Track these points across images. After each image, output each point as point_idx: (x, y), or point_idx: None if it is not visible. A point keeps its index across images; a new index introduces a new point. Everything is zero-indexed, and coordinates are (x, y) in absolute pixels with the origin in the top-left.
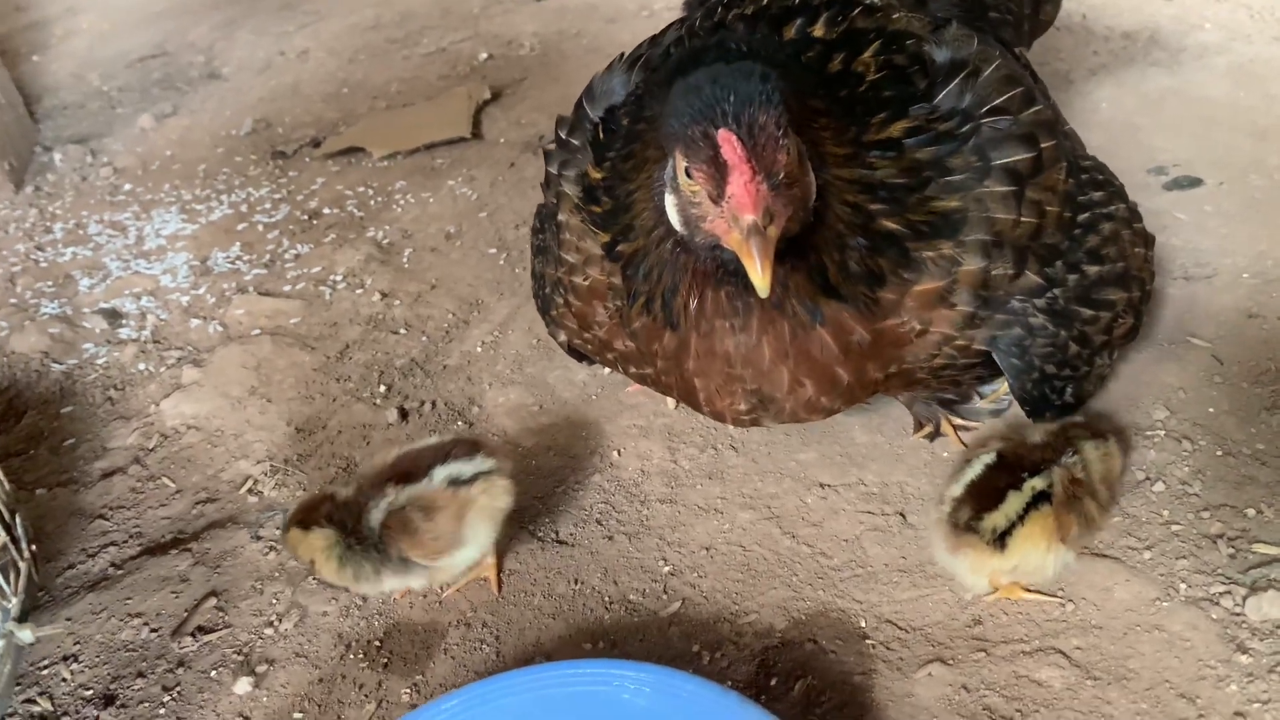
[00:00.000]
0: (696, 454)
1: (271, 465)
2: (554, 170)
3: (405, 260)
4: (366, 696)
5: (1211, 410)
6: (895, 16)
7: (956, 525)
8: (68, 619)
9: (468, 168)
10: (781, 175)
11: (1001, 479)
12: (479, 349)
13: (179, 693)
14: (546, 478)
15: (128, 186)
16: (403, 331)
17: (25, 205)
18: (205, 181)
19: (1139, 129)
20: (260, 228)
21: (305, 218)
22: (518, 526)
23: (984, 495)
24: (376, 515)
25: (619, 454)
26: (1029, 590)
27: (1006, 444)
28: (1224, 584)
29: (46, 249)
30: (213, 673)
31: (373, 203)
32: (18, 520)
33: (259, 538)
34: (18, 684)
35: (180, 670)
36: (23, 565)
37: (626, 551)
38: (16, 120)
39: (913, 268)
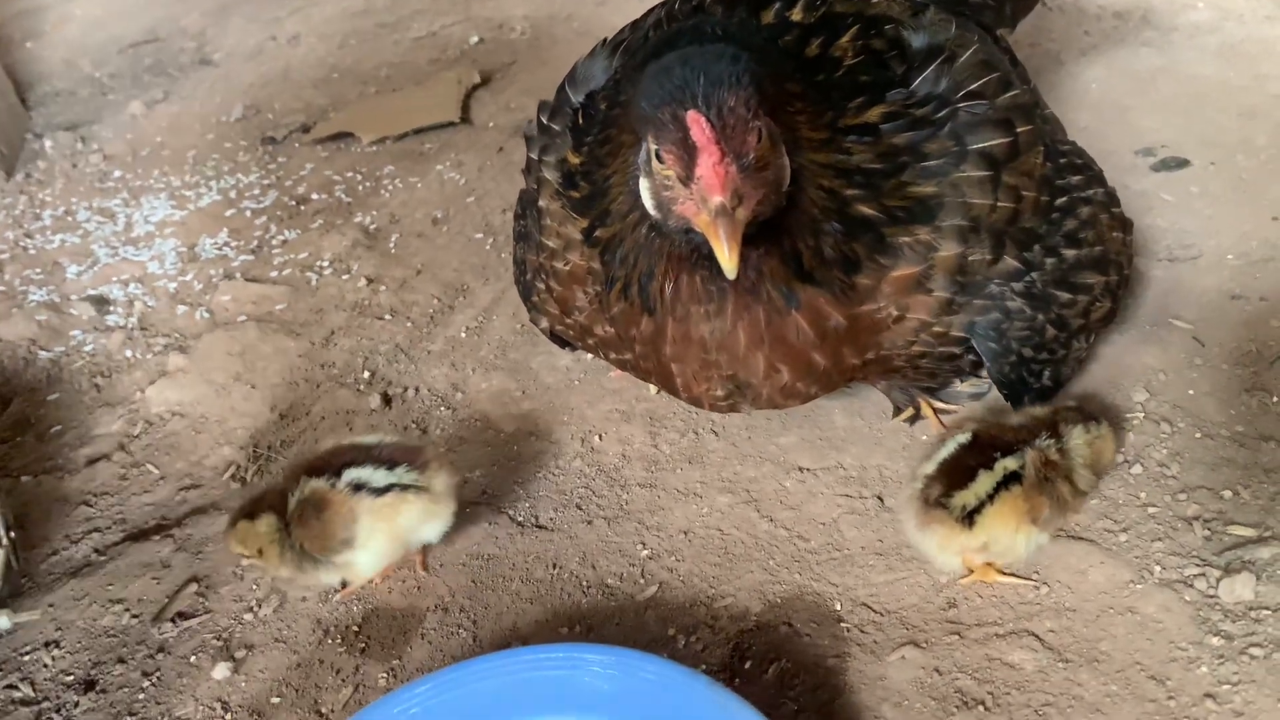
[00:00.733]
0: (677, 438)
1: (255, 451)
2: (535, 156)
3: (392, 246)
4: (344, 681)
5: (1191, 392)
6: (874, 1)
7: (927, 502)
8: (50, 605)
9: (456, 152)
10: (752, 157)
11: (973, 458)
12: (463, 334)
13: (158, 678)
14: (528, 463)
15: (117, 173)
16: (388, 317)
17: (15, 192)
18: (194, 168)
19: (1128, 110)
20: (248, 214)
21: (293, 204)
22: (497, 511)
23: (955, 473)
24: (291, 503)
25: (600, 439)
26: (1004, 573)
27: (982, 425)
28: (1198, 566)
29: (35, 236)
30: (192, 658)
31: (361, 188)
32: None
33: None
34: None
35: (160, 656)
36: (1, 552)
37: (605, 536)
38: (7, 108)
39: (889, 253)
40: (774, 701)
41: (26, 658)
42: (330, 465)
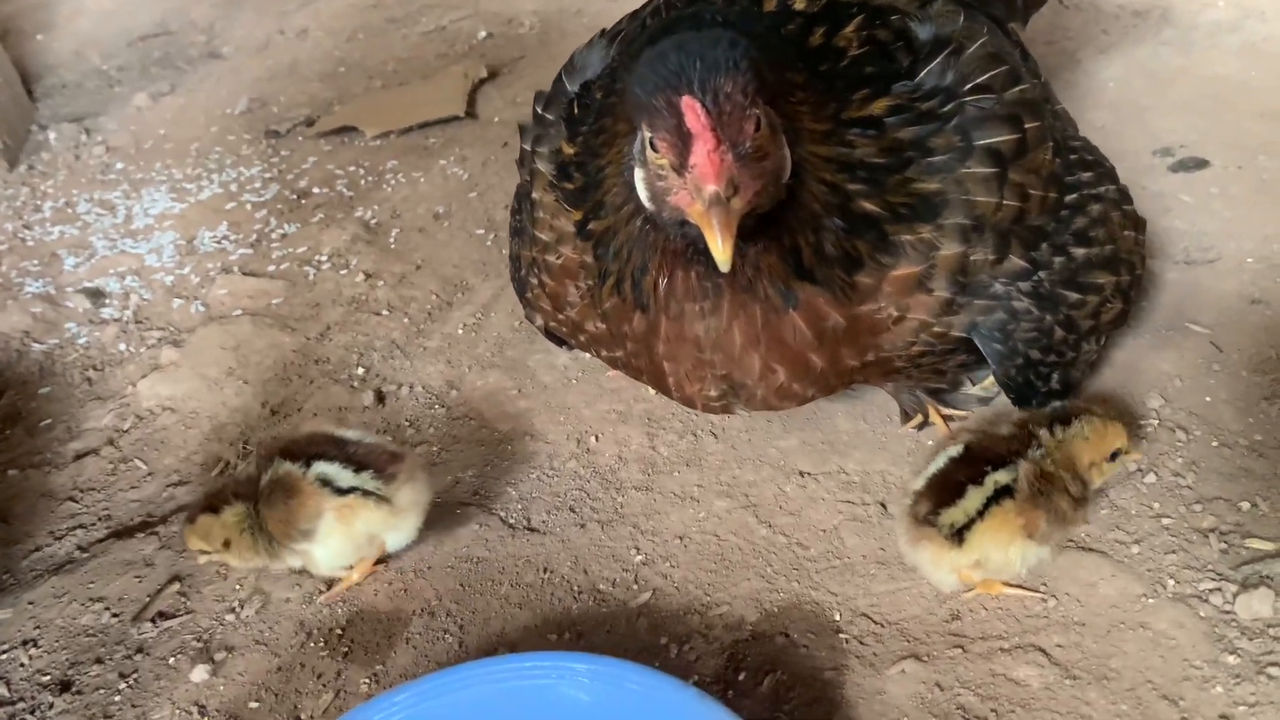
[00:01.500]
0: (675, 440)
1: (245, 447)
2: (528, 147)
3: (392, 240)
4: (325, 686)
5: (1209, 399)
6: None
7: (916, 519)
8: (29, 603)
9: (460, 147)
10: (749, 145)
11: (963, 472)
12: (460, 331)
13: (136, 680)
14: (521, 463)
15: (119, 165)
16: (385, 313)
17: (18, 184)
18: (197, 160)
19: (1147, 109)
20: (249, 207)
21: (294, 197)
22: (488, 513)
23: (944, 489)
24: (264, 481)
25: (596, 439)
26: (1009, 585)
27: (975, 436)
28: (1214, 580)
29: (34, 227)
30: (171, 659)
31: (363, 182)
32: None
33: None
34: None
35: (139, 656)
36: None
37: (598, 539)
38: (13, 99)
39: (891, 251)
40: (769, 715)
41: (3, 656)
42: (305, 452)
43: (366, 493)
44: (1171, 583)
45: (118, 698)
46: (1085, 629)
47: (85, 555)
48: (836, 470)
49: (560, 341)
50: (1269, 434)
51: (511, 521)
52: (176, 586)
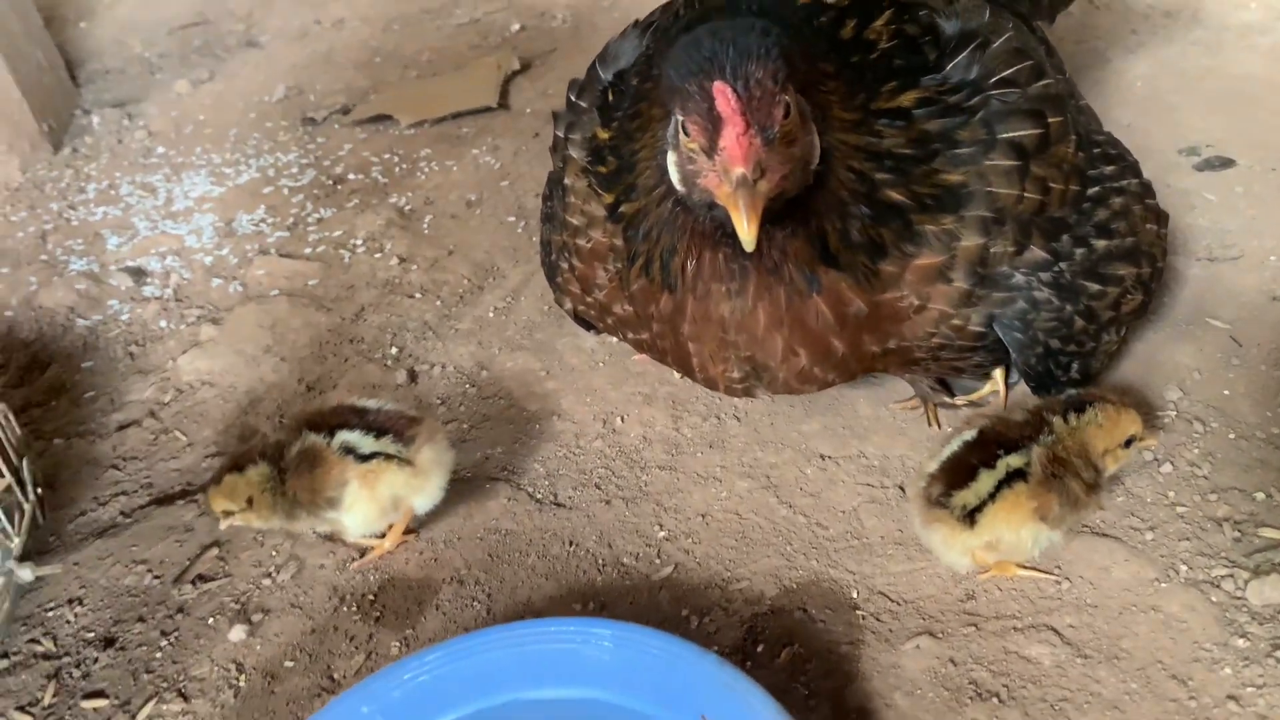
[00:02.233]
0: (699, 422)
1: (280, 421)
2: (561, 133)
3: (425, 226)
4: (357, 648)
5: (1226, 393)
6: None
7: (929, 501)
8: (75, 564)
9: (493, 137)
10: (777, 130)
11: (976, 455)
12: (491, 314)
13: (176, 637)
14: (549, 442)
15: (160, 149)
16: (418, 296)
17: (62, 166)
18: (235, 146)
19: (1175, 108)
20: (285, 191)
21: (330, 183)
22: (516, 488)
23: (957, 472)
24: (290, 453)
25: (622, 420)
26: (1024, 567)
27: (989, 421)
28: (1226, 567)
29: (79, 208)
30: (210, 619)
31: (397, 169)
32: (25, 464)
33: None
34: (23, 625)
35: (179, 616)
36: (27, 507)
37: (623, 516)
38: (58, 83)
39: (915, 240)
40: (785, 686)
41: (50, 614)
42: (328, 423)
43: (388, 456)
44: (1184, 568)
45: (159, 654)
46: (1097, 610)
47: (128, 520)
48: (856, 454)
49: (588, 326)
50: None
51: (539, 496)
52: (215, 551)
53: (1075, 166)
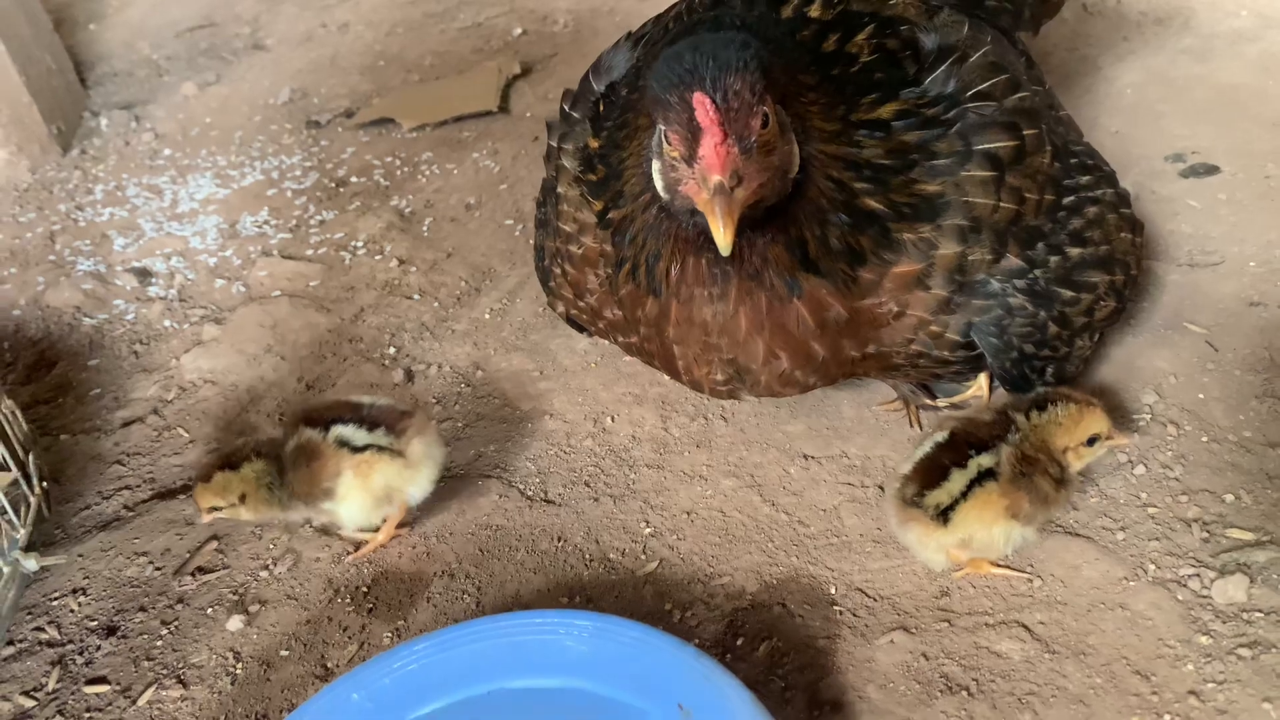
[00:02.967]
0: (687, 423)
1: (280, 419)
2: (554, 143)
3: (425, 229)
4: (350, 638)
5: (1201, 396)
6: (890, 2)
7: (904, 500)
8: (79, 555)
9: (493, 141)
10: (754, 140)
11: (948, 456)
12: (487, 316)
13: (176, 627)
14: (541, 440)
15: (167, 152)
16: (416, 297)
17: (70, 167)
18: (240, 148)
19: (1162, 116)
20: (289, 194)
21: (333, 185)
22: (508, 485)
23: (929, 472)
24: (289, 447)
25: (612, 420)
26: (997, 565)
27: (960, 423)
28: (1193, 567)
29: (86, 209)
30: (209, 610)
31: (399, 173)
32: (30, 459)
33: None
34: (29, 613)
35: (179, 606)
36: (33, 500)
37: (610, 512)
38: (66, 86)
39: (893, 248)
40: (763, 678)
41: (55, 603)
42: (324, 418)
43: (380, 448)
44: (1152, 568)
45: (159, 643)
46: (1067, 608)
47: (130, 514)
48: (839, 454)
49: (580, 328)
50: (1257, 431)
51: (529, 493)
52: (214, 544)
53: (1050, 177)
